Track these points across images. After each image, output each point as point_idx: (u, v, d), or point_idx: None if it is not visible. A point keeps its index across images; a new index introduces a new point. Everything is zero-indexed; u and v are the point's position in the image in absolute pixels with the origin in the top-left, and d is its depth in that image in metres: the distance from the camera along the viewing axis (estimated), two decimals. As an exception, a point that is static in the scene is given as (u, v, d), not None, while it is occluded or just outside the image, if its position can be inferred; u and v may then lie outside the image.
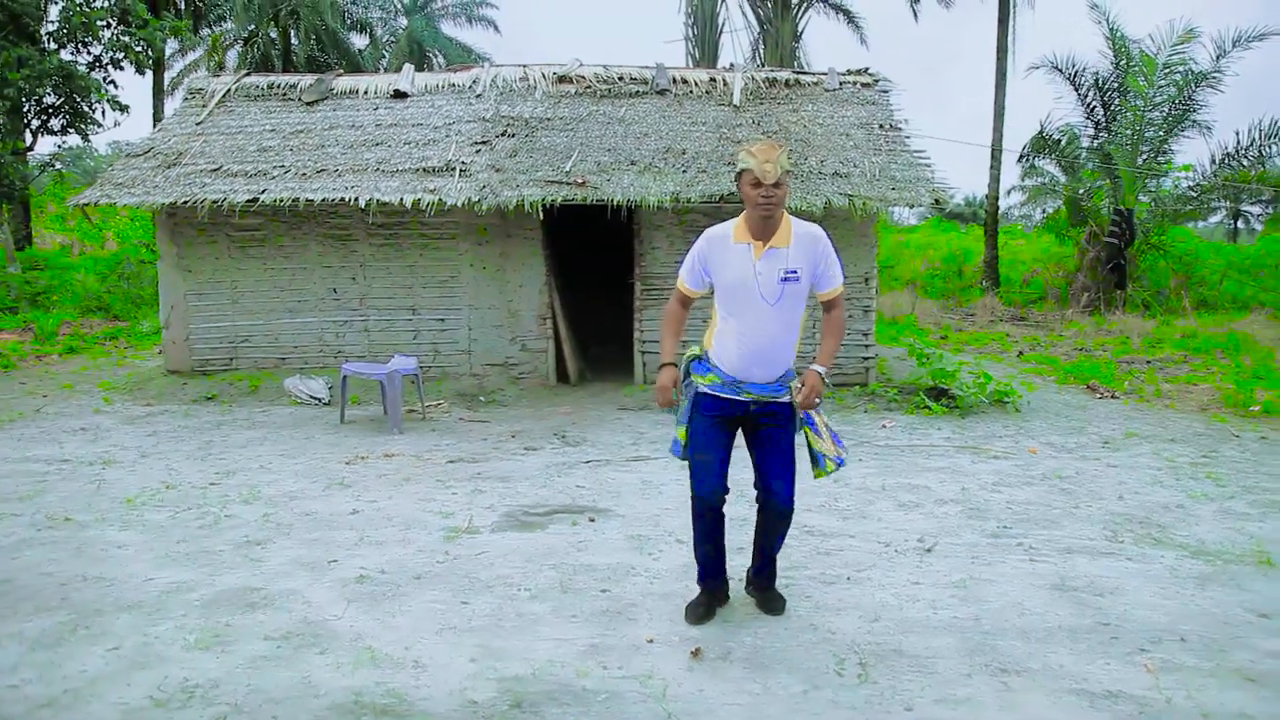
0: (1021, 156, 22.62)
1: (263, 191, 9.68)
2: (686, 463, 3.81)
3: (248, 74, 12.53)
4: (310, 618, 3.90)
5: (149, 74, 21.15)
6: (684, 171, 9.96)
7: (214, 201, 9.58)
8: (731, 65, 13.72)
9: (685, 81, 11.84)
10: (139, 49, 18.53)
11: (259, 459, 6.99)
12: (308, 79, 12.07)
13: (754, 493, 3.85)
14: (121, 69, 18.76)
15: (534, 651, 3.59)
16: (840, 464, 3.85)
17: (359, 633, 3.76)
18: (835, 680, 3.36)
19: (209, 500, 5.76)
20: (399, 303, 10.49)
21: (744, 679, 3.36)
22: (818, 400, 3.65)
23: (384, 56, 32.00)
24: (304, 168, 10.17)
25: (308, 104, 11.58)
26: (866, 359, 10.31)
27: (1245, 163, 19.14)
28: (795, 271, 3.64)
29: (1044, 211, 25.57)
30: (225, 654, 3.54)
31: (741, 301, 3.65)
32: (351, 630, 3.78)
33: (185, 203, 9.63)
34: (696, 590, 3.98)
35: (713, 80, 11.89)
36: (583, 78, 11.85)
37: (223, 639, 3.67)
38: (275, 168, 10.17)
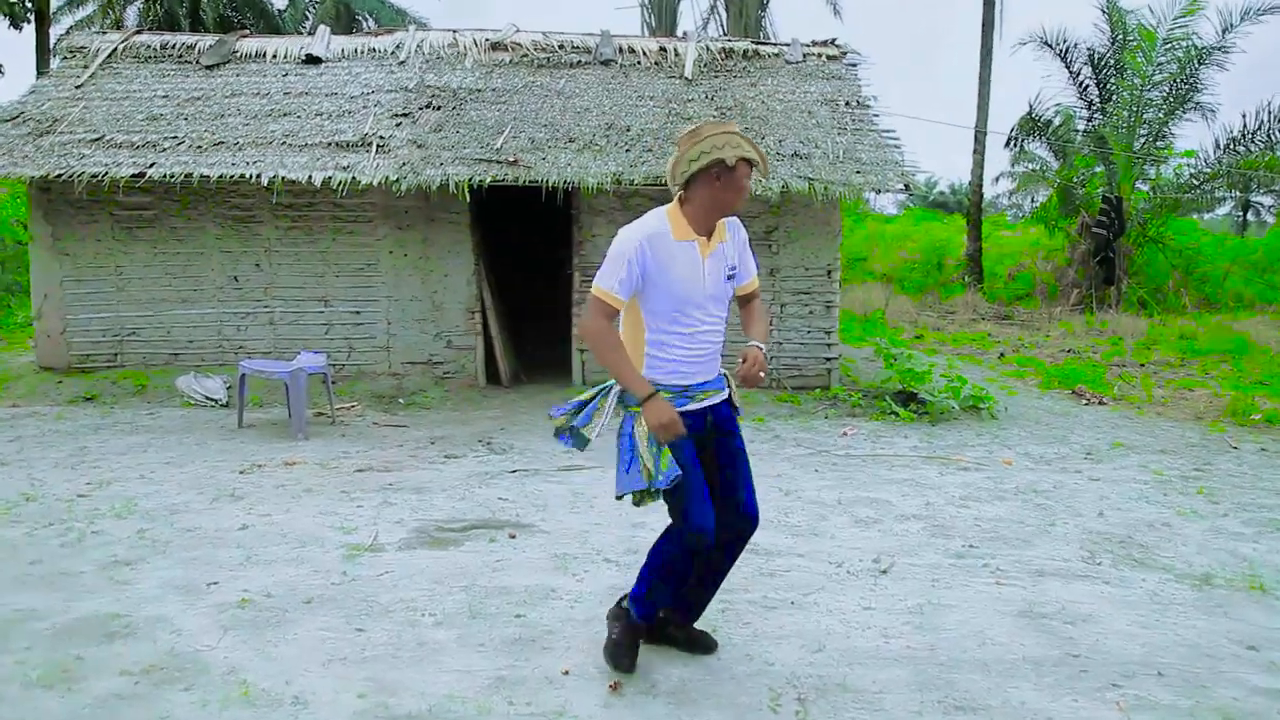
0: (1009, 140, 22.93)
1: (151, 165, 9.48)
2: (642, 499, 3.52)
3: (138, 32, 12.27)
4: (178, 649, 3.79)
5: (29, 29, 20.62)
6: (628, 150, 9.93)
7: (94, 175, 9.35)
8: (684, 34, 13.72)
9: (632, 51, 11.82)
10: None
11: (140, 468, 6.84)
12: (207, 40, 11.87)
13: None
14: (-5, 22, 18.24)
15: (433, 685, 3.52)
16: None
17: (233, 665, 3.66)
18: (769, 717, 3.33)
19: (75, 515, 5.60)
20: (309, 293, 10.33)
21: (666, 717, 3.32)
22: (762, 375, 3.53)
23: (306, 19, 31.56)
24: (200, 140, 9.98)
25: (207, 68, 11.37)
26: (829, 360, 10.35)
27: (1253, 148, 19.46)
28: (734, 268, 3.63)
29: (1034, 200, 25.93)
30: (71, 692, 3.41)
31: (689, 307, 3.50)
32: (225, 662, 3.68)
33: (60, 176, 9.38)
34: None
35: (663, 50, 11.88)
36: (519, 45, 11.77)
37: (71, 675, 3.54)
38: (167, 139, 9.96)
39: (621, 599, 3.80)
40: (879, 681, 3.61)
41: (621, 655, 3.64)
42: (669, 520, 3.58)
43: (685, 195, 3.55)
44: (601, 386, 3.67)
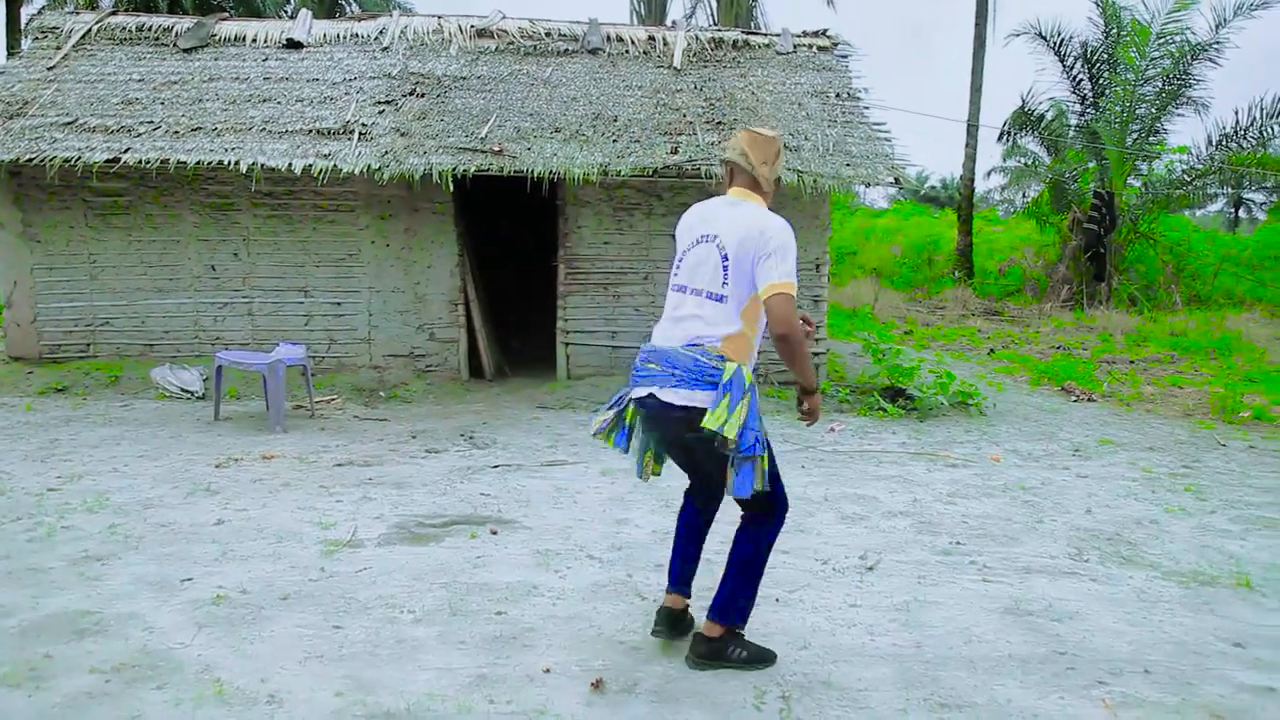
0: (1002, 134, 23.00)
1: (126, 150, 9.41)
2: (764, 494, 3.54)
3: (113, 13, 12.17)
4: (151, 646, 3.77)
5: None
6: (615, 141, 9.91)
7: (67, 160, 9.27)
8: (674, 23, 13.71)
9: (621, 40, 11.80)
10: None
11: (113, 461, 6.80)
12: (185, 22, 11.77)
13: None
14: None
15: (411, 683, 3.51)
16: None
17: (208, 663, 3.64)
18: (753, 715, 3.33)
19: (44, 509, 5.56)
20: (288, 283, 10.28)
21: (648, 715, 3.32)
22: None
23: (287, 3, 31.39)
24: (177, 125, 9.90)
25: (184, 51, 11.29)
26: (816, 354, 10.36)
27: (1245, 144, 19.58)
28: None
29: (1025, 196, 26.04)
30: (40, 691, 3.38)
31: None
32: (199, 660, 3.66)
33: (31, 160, 9.30)
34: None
35: (651, 39, 11.87)
36: (505, 32, 11.73)
37: (39, 673, 3.51)
38: (143, 124, 9.88)
39: (714, 640, 3.68)
40: (864, 679, 3.62)
41: (765, 652, 3.74)
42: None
43: (767, 198, 3.74)
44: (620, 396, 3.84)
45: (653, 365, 3.56)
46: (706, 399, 3.42)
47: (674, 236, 3.87)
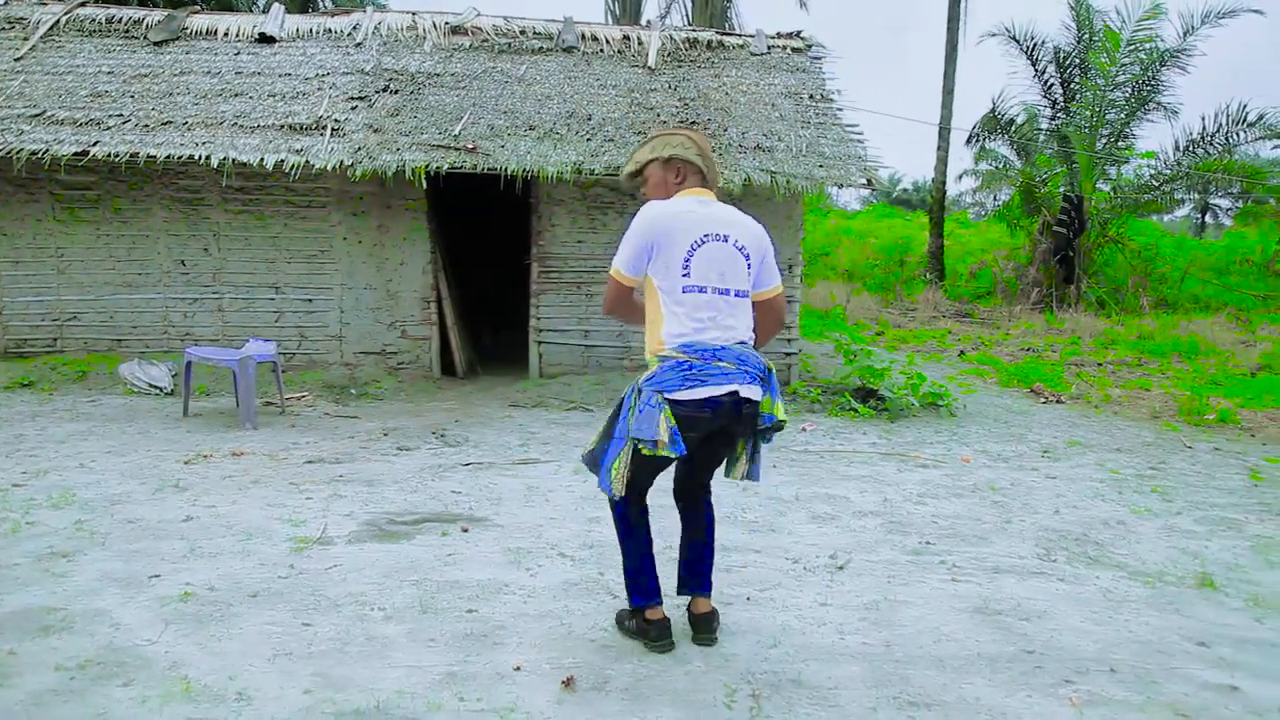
0: (971, 137, 23.17)
1: (95, 144, 9.31)
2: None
3: (82, 4, 12.03)
4: (117, 643, 3.73)
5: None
6: (589, 139, 9.91)
7: (34, 153, 9.18)
8: (649, 23, 13.72)
9: (595, 39, 11.81)
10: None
11: (79, 456, 6.72)
12: (156, 15, 11.67)
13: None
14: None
15: (381, 681, 3.49)
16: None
17: (175, 660, 3.60)
18: (724, 714, 3.34)
19: (9, 505, 5.49)
20: (259, 279, 10.21)
21: (620, 713, 3.32)
22: None
23: (260, -3, 31.13)
24: (147, 118, 9.82)
25: (155, 44, 11.19)
26: (788, 355, 10.40)
27: (1212, 150, 19.85)
28: None
29: (996, 199, 26.24)
30: (4, 688, 3.34)
31: None
32: (166, 657, 3.62)
33: (-2, 152, 9.19)
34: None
35: (626, 39, 11.88)
36: (479, 29, 11.71)
37: (3, 670, 3.47)
38: (112, 116, 9.78)
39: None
40: (834, 678, 3.63)
41: None
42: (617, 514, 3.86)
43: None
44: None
45: (726, 364, 3.52)
46: (761, 393, 3.64)
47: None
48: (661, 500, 4.02)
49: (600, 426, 3.83)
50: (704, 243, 3.61)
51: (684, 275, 3.59)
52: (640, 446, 3.51)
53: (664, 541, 4.26)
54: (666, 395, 3.50)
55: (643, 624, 3.84)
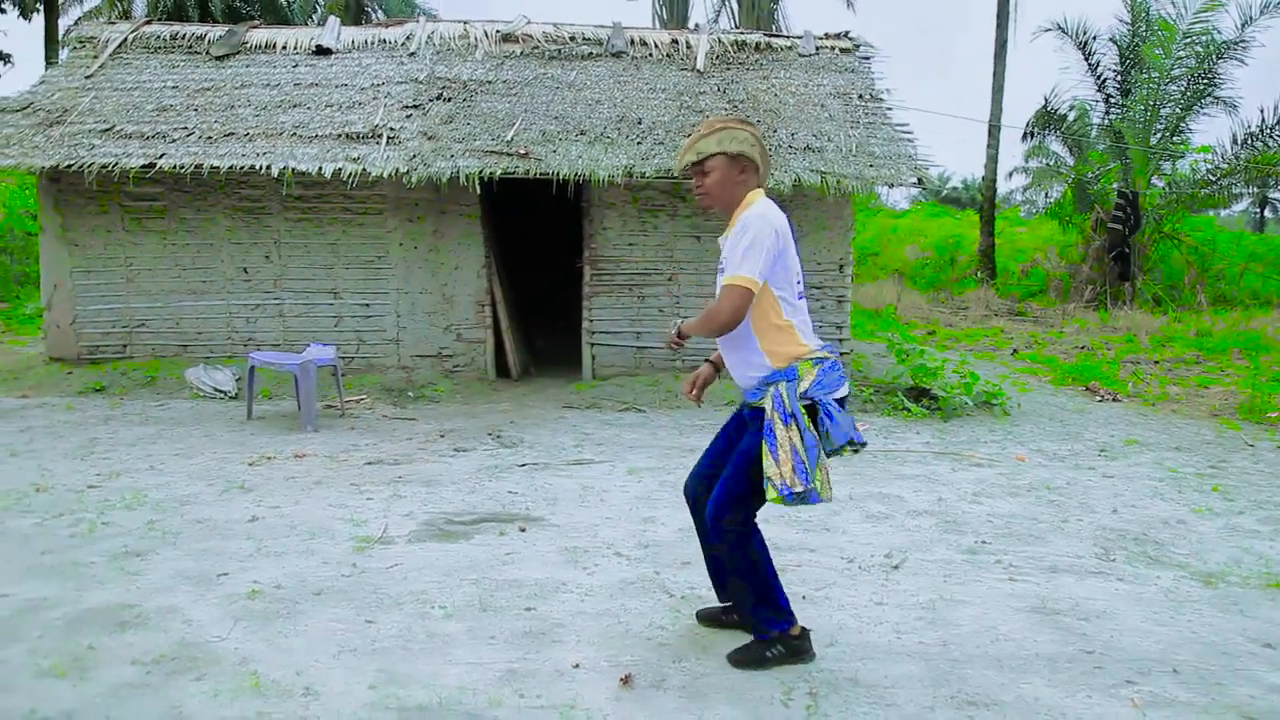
0: (1025, 133, 22.86)
1: (161, 156, 9.51)
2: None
3: (148, 22, 12.31)
4: (189, 639, 3.82)
5: (38, 19, 20.73)
6: (639, 143, 9.92)
7: (104, 166, 9.39)
8: (696, 26, 13.72)
9: (644, 43, 11.82)
10: (21, -11, 18.16)
11: (149, 459, 6.87)
12: (217, 30, 11.89)
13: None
14: (3, 10, 18.30)
15: (443, 677, 3.54)
16: (787, 496, 3.48)
17: (244, 656, 3.68)
18: (781, 712, 3.34)
19: (85, 505, 5.64)
20: (318, 285, 10.36)
21: (677, 710, 3.33)
22: (674, 345, 3.86)
23: (315, 10, 31.63)
24: (210, 130, 10.00)
25: (217, 59, 11.40)
26: (841, 355, 10.31)
27: (1271, 144, 19.36)
28: (723, 261, 3.68)
29: (1048, 196, 25.85)
30: (83, 681, 3.44)
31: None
32: (236, 653, 3.70)
33: (70, 166, 9.42)
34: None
35: (674, 43, 11.88)
36: (530, 36, 11.78)
37: (82, 664, 3.57)
38: (177, 129, 9.99)
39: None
40: (891, 676, 3.62)
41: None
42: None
43: None
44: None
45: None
46: None
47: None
48: (663, 501, 4.02)
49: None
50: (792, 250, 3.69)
51: (798, 282, 3.72)
52: (854, 447, 3.54)
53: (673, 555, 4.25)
54: (835, 396, 3.58)
55: (795, 643, 3.71)
